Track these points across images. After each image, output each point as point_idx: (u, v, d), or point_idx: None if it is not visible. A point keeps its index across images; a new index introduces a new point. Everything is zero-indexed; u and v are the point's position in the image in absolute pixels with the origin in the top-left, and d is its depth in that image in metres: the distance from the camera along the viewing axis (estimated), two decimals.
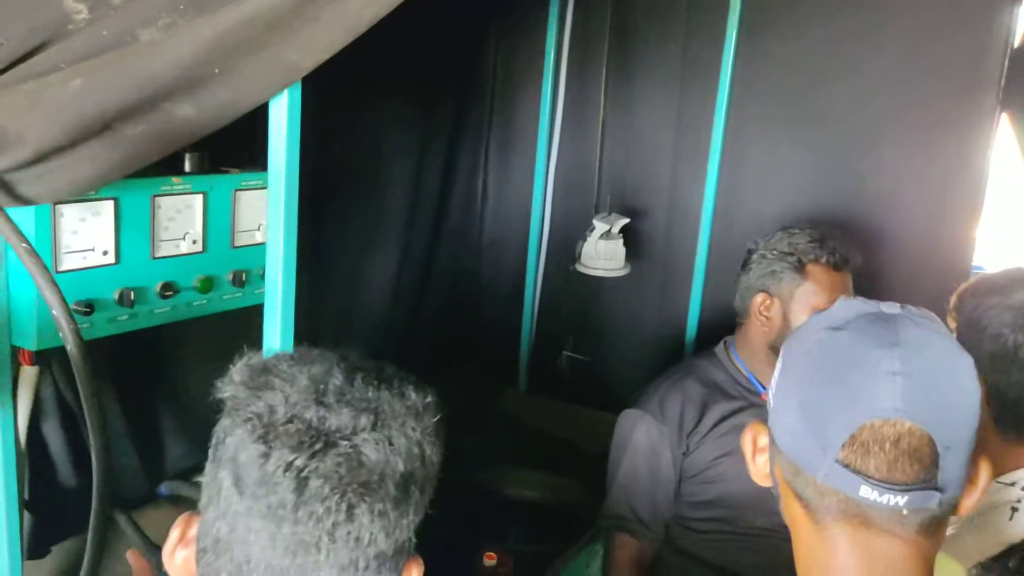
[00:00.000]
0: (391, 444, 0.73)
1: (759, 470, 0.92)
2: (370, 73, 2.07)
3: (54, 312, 1.09)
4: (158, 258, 1.48)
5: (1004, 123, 2.12)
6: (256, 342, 2.00)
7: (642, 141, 2.57)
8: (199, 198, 1.54)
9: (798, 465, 0.80)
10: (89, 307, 1.36)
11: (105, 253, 1.39)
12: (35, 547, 1.59)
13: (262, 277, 1.67)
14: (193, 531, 0.81)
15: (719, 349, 2.03)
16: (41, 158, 1.08)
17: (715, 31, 2.36)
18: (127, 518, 1.71)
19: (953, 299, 1.33)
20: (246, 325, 1.84)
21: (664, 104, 2.52)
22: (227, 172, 1.60)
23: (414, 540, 0.79)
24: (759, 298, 1.92)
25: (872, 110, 2.26)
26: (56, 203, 1.29)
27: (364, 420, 0.73)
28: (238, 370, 0.78)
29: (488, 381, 2.82)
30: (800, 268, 1.86)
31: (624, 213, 2.37)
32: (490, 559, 1.65)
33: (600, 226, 2.25)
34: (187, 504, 1.87)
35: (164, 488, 1.86)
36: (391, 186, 2.47)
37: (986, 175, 2.16)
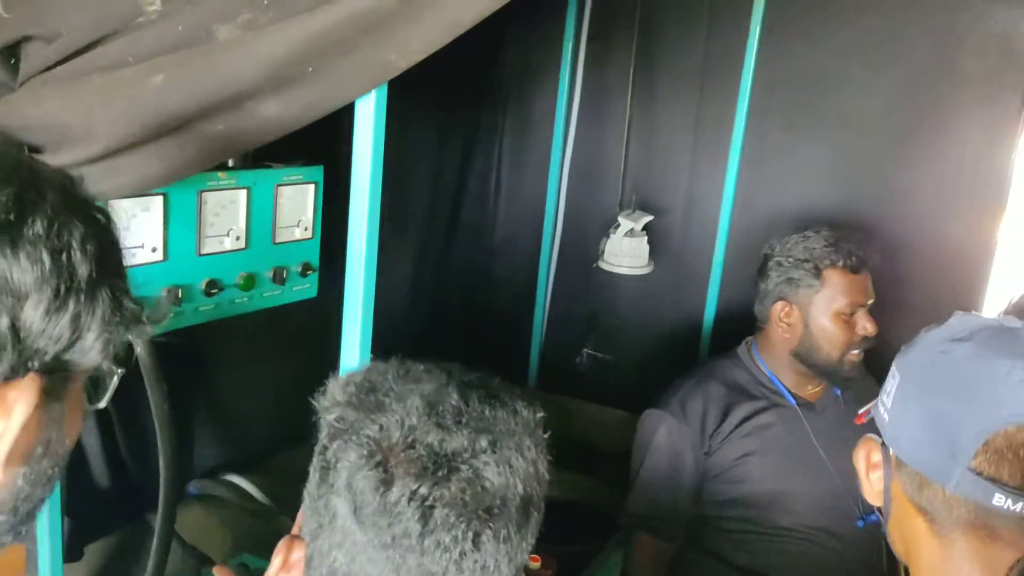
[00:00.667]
0: (510, 466, 0.71)
1: (873, 487, 0.92)
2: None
3: None
4: (204, 255, 1.45)
5: None
6: (288, 341, 1.99)
7: (662, 140, 2.56)
8: (243, 193, 1.51)
9: (926, 476, 0.81)
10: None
11: (154, 250, 1.36)
12: (70, 549, 1.56)
13: (301, 274, 1.67)
14: (296, 555, 0.79)
15: (741, 350, 2.04)
16: (110, 154, 1.05)
17: (738, 31, 2.35)
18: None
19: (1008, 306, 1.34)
20: (275, 324, 1.83)
21: (685, 103, 2.52)
22: (269, 167, 1.58)
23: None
24: (779, 306, 1.93)
25: (894, 112, 2.27)
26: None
27: (483, 441, 0.71)
28: (341, 389, 0.76)
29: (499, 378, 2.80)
30: (817, 274, 1.88)
31: (643, 211, 2.36)
32: (534, 562, 1.64)
33: (626, 223, 2.24)
34: (216, 503, 1.85)
35: (193, 487, 1.83)
36: (411, 185, 2.45)
37: (1010, 177, 2.17)
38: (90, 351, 0.60)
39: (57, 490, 1.39)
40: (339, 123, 1.66)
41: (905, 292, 2.21)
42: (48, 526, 1.41)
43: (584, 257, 2.61)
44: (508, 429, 0.73)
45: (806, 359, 1.90)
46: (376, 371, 0.76)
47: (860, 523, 1.84)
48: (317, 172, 1.66)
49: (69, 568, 1.53)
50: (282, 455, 2.08)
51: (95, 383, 0.70)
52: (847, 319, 1.86)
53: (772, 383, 1.97)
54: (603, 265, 2.33)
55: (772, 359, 1.98)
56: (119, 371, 0.73)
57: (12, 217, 0.55)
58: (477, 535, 0.69)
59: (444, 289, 2.65)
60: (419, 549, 0.69)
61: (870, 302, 1.87)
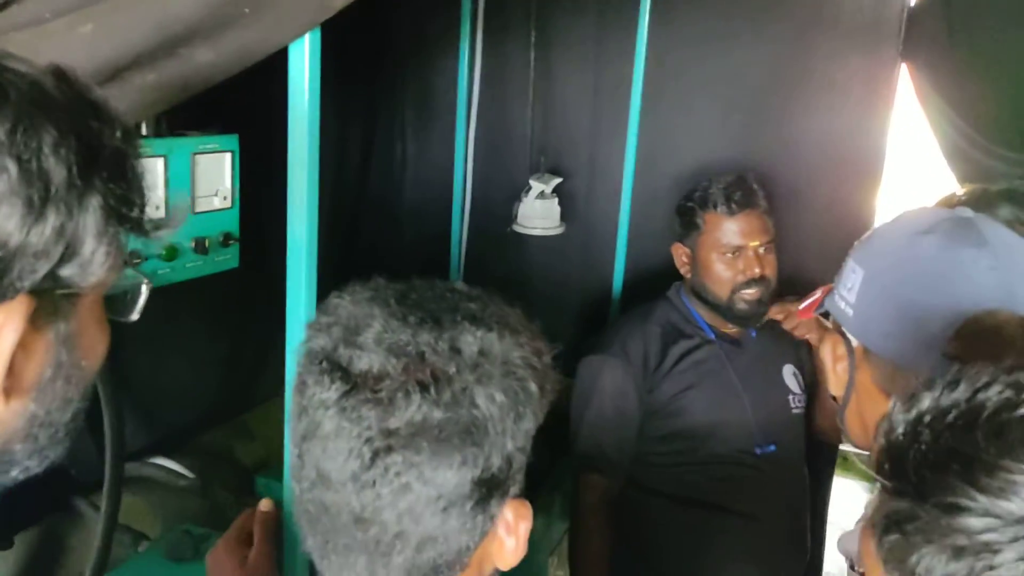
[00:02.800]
0: (426, 390, 0.68)
1: (839, 378, 0.98)
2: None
3: None
4: None
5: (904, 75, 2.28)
6: (208, 315, 1.96)
7: (565, 105, 2.62)
8: (160, 162, 1.49)
9: (898, 364, 0.86)
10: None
11: None
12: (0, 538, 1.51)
13: (222, 244, 1.65)
14: None
15: (671, 293, 2.15)
16: None
17: None
18: (88, 502, 1.65)
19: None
20: (193, 299, 1.80)
21: (582, 67, 2.58)
22: (184, 135, 1.55)
23: (512, 484, 0.74)
24: (674, 248, 2.10)
25: (780, 65, 2.38)
26: None
27: (395, 363, 0.68)
28: (322, 304, 0.78)
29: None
30: (696, 217, 2.03)
31: (553, 174, 2.42)
32: None
33: (537, 186, 2.29)
34: (143, 483, 1.81)
35: None
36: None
37: (888, 125, 2.32)
38: (90, 264, 0.57)
39: None
40: (254, 89, 1.66)
41: (802, 236, 2.34)
42: None
43: (495, 224, 2.64)
44: (434, 354, 0.70)
45: (701, 297, 2.05)
46: (349, 291, 0.77)
47: (758, 450, 1.97)
48: (232, 140, 1.65)
49: (1, 557, 1.48)
50: (205, 435, 2.06)
51: (123, 296, 0.67)
52: (730, 259, 1.98)
53: (696, 321, 2.08)
54: (517, 228, 2.37)
55: (691, 299, 2.10)
56: (146, 281, 0.72)
57: None
58: (376, 455, 0.68)
59: (355, 264, 2.65)
60: (323, 459, 0.70)
61: (755, 243, 1.98)
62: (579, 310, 2.71)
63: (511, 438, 0.72)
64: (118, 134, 0.61)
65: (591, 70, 2.57)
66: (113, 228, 0.58)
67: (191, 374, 1.96)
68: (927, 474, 0.55)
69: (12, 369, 0.57)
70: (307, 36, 0.99)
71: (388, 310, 0.72)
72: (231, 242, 1.66)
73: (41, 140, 0.54)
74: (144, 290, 0.70)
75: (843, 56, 2.33)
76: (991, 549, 0.52)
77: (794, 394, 2.06)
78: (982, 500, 0.52)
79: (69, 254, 0.56)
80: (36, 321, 0.57)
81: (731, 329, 2.08)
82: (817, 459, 2.21)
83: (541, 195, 2.30)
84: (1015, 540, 0.52)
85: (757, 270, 1.97)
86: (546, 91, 2.60)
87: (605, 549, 1.96)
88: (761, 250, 1.99)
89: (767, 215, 2.03)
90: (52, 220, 0.54)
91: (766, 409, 2.00)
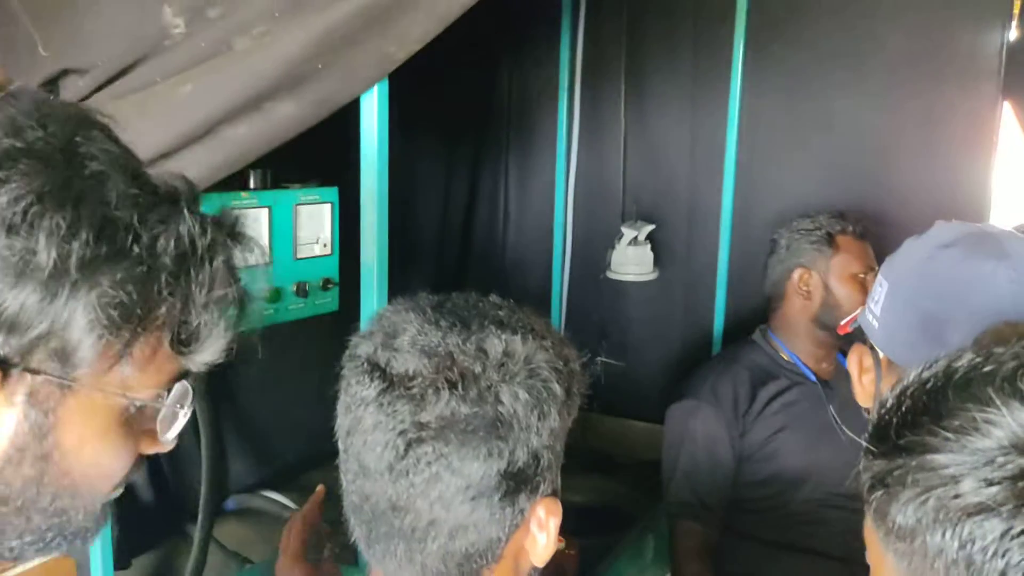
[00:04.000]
0: (455, 388, 0.74)
1: (865, 390, 0.99)
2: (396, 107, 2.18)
3: None
4: None
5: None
6: (313, 357, 2.08)
7: (658, 152, 2.67)
8: (265, 212, 1.62)
9: None
10: None
11: None
12: (118, 559, 1.64)
13: (322, 288, 1.77)
14: None
15: (756, 336, 2.13)
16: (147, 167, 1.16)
17: (723, 41, 2.46)
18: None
19: None
20: (299, 342, 1.92)
21: (677, 115, 2.63)
22: (288, 187, 1.69)
23: (542, 482, 0.79)
24: (796, 273, 2.04)
25: (878, 109, 2.36)
26: None
27: (427, 364, 0.75)
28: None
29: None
30: (830, 241, 2.01)
31: (645, 221, 2.46)
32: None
33: (629, 232, 2.34)
34: (253, 515, 1.93)
35: (231, 502, 1.91)
36: (420, 216, 2.56)
37: (992, 162, 2.26)
38: (80, 355, 0.56)
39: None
40: (352, 147, 1.79)
41: None
42: (99, 536, 1.49)
43: (592, 270, 2.70)
44: (462, 355, 0.76)
45: (828, 323, 1.97)
46: (393, 304, 0.85)
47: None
48: (332, 192, 1.77)
49: None
50: (311, 473, 2.16)
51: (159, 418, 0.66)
52: (861, 281, 1.97)
53: (792, 362, 2.06)
54: (611, 275, 2.42)
55: (790, 336, 2.06)
56: (182, 408, 0.68)
57: None
58: (408, 446, 0.74)
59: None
60: (363, 451, 0.77)
61: (874, 266, 1.97)
62: (678, 356, 2.72)
63: (536, 434, 0.77)
64: (156, 215, 0.60)
65: (686, 118, 2.62)
66: (110, 320, 0.56)
67: (295, 413, 2.07)
68: (905, 432, 0.59)
69: None
70: (376, 87, 1.09)
71: (423, 317, 0.79)
72: (331, 286, 1.78)
73: (43, 219, 0.54)
74: (180, 415, 0.67)
75: (941, 95, 2.29)
76: (955, 479, 0.54)
77: None
78: (948, 437, 0.56)
79: (55, 336, 0.55)
80: (8, 394, 0.56)
81: (826, 368, 2.05)
82: None
83: (633, 242, 2.35)
84: (975, 468, 0.54)
85: None
86: (640, 140, 2.65)
87: None
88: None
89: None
90: (30, 291, 0.54)
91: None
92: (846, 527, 1.88)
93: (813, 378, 2.03)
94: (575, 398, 0.82)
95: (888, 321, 0.92)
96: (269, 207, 1.63)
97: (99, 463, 0.63)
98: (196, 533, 1.48)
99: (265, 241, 1.62)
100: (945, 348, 0.84)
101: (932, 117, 2.32)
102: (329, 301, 1.79)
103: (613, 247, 2.41)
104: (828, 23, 2.38)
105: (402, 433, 0.75)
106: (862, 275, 1.97)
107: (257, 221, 1.61)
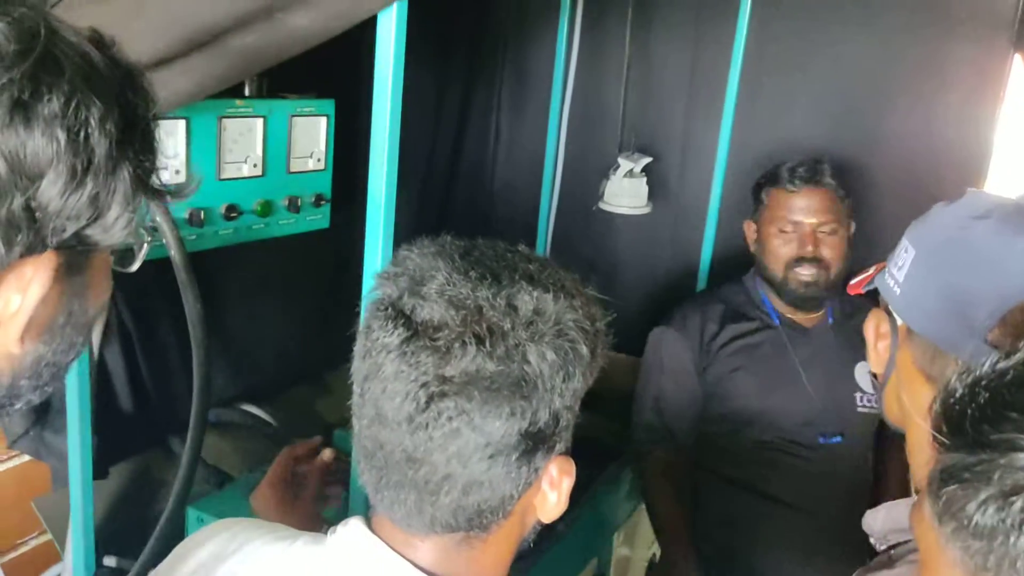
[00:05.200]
0: (482, 343, 0.71)
1: (880, 356, 0.97)
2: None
3: (158, 219, 1.12)
4: (223, 179, 1.50)
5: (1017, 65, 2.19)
6: (295, 275, 2.04)
7: (659, 85, 2.60)
8: (260, 122, 1.56)
9: (940, 347, 0.86)
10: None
11: (177, 172, 1.41)
12: (96, 467, 1.62)
13: (314, 205, 1.72)
14: None
15: (747, 276, 2.17)
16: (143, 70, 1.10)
17: None
18: (180, 440, 1.75)
19: None
20: (281, 258, 1.87)
21: (681, 47, 2.55)
22: (284, 97, 1.62)
23: (558, 441, 0.78)
24: (745, 225, 2.14)
25: (885, 54, 2.31)
26: None
27: (455, 315, 0.72)
28: (393, 256, 0.82)
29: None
30: (761, 193, 2.08)
31: (642, 154, 2.42)
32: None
33: (625, 164, 2.29)
34: (232, 428, 1.91)
35: (211, 415, 1.89)
36: (409, 135, 2.48)
37: (996, 117, 2.23)
38: (112, 227, 0.61)
39: (87, 409, 1.45)
40: (353, 58, 1.71)
41: (899, 231, 2.27)
42: (79, 443, 1.46)
43: (583, 202, 2.66)
44: (492, 309, 0.73)
45: (762, 275, 2.07)
46: (418, 245, 0.81)
47: (822, 439, 1.97)
48: (329, 105, 1.71)
49: (96, 486, 1.59)
50: (293, 389, 2.15)
51: (125, 251, 0.71)
52: (787, 236, 1.99)
53: (763, 305, 2.09)
54: (603, 206, 2.38)
55: (763, 282, 2.10)
56: (148, 239, 0.76)
57: (27, 96, 0.54)
58: (429, 400, 0.72)
59: (448, 233, 2.70)
60: (382, 399, 0.74)
61: (813, 220, 1.97)
62: (664, 291, 2.70)
63: (559, 396, 0.75)
64: (149, 106, 0.65)
65: (689, 51, 2.55)
66: (139, 196, 0.63)
67: (280, 329, 2.04)
68: (985, 427, 0.56)
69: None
70: (395, 4, 1.03)
71: (452, 264, 0.76)
72: (323, 203, 1.73)
73: (89, 113, 0.57)
74: (145, 247, 0.74)
75: (952, 45, 2.25)
76: None
77: (863, 392, 2.01)
78: None
79: (96, 217, 0.60)
80: (56, 274, 0.61)
81: (801, 316, 2.06)
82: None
83: (629, 174, 2.31)
84: None
85: (810, 248, 1.95)
86: (641, 71, 2.58)
87: (680, 508, 1.99)
88: (823, 230, 1.97)
89: (837, 198, 2.01)
90: (90, 188, 0.58)
91: (833, 400, 1.98)
92: (795, 473, 1.96)
93: (777, 322, 2.06)
94: (598, 359, 0.80)
95: (911, 289, 0.90)
96: (264, 117, 1.57)
97: (103, 297, 0.69)
98: (186, 446, 1.46)
99: (259, 152, 1.56)
100: (968, 322, 0.83)
101: (940, 66, 2.27)
102: (320, 218, 1.75)
103: (608, 178, 2.36)
104: None
105: (424, 385, 0.72)
106: (785, 230, 1.99)
107: (251, 131, 1.55)
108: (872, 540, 0.98)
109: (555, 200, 2.83)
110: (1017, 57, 2.18)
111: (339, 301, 2.24)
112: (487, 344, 0.71)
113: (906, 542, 0.90)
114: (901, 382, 0.94)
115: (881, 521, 0.96)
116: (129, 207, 0.62)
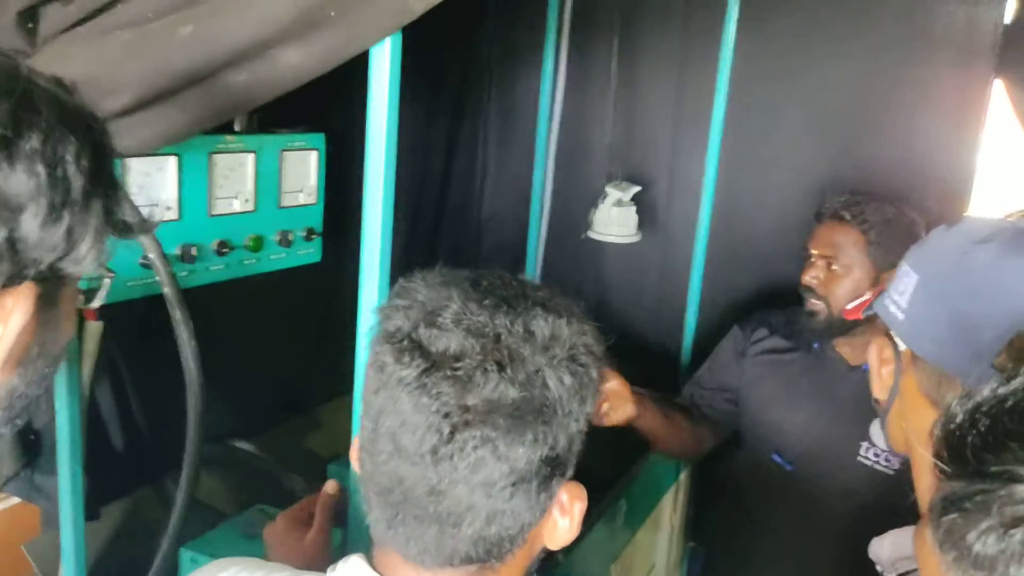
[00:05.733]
0: (503, 371, 0.71)
1: (883, 382, 0.97)
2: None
3: (151, 256, 1.11)
4: (215, 215, 1.50)
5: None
6: (286, 309, 2.03)
7: (645, 115, 2.62)
8: (251, 157, 1.56)
9: (946, 372, 0.86)
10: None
11: (168, 208, 1.41)
12: (87, 509, 1.60)
13: (306, 239, 1.72)
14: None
15: None
16: (136, 108, 1.10)
17: (716, 5, 2.41)
18: (172, 479, 1.73)
19: None
20: (272, 291, 1.87)
21: (666, 77, 2.58)
22: (275, 132, 1.63)
23: (570, 467, 0.78)
24: None
25: (869, 81, 2.34)
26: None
27: (474, 344, 0.72)
28: (394, 288, 0.81)
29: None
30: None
31: (631, 183, 2.43)
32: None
33: (614, 193, 2.31)
34: (223, 465, 1.89)
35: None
36: (399, 163, 2.48)
37: (978, 142, 2.26)
38: (84, 260, 0.63)
39: (78, 450, 1.44)
40: (342, 92, 1.72)
41: None
42: (70, 484, 1.44)
43: (572, 232, 2.67)
44: (509, 336, 0.73)
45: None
46: (423, 276, 0.81)
47: (776, 458, 2.00)
48: (319, 139, 1.72)
49: (87, 528, 1.57)
50: (283, 424, 2.13)
51: (89, 289, 0.73)
52: (806, 264, 1.97)
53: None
54: (592, 235, 2.39)
55: None
56: (111, 274, 0.79)
57: (9, 133, 0.57)
58: (453, 431, 0.71)
59: (441, 267, 2.70)
60: (400, 433, 0.73)
61: (816, 251, 1.95)
62: (654, 320, 2.71)
63: (575, 420, 0.76)
64: (112, 144, 0.68)
65: (674, 81, 2.57)
66: (107, 230, 0.65)
67: (270, 364, 2.03)
68: (986, 456, 0.56)
69: None
70: (388, 40, 1.03)
71: (465, 293, 0.76)
72: (314, 236, 1.73)
73: (66, 151, 0.60)
74: (107, 283, 0.77)
75: (934, 71, 2.28)
76: None
77: (874, 447, 1.91)
78: None
79: (70, 249, 0.62)
80: (34, 305, 0.63)
81: (847, 351, 1.99)
82: None
83: (618, 203, 2.32)
84: None
85: (808, 277, 1.94)
86: (628, 100, 2.60)
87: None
88: (830, 266, 1.92)
89: (860, 238, 1.92)
90: (66, 221, 0.61)
91: (826, 436, 1.94)
92: (770, 494, 1.97)
93: (816, 346, 2.03)
94: (601, 384, 0.81)
95: (916, 315, 0.90)
96: (255, 152, 1.57)
97: (69, 331, 0.71)
98: (180, 486, 1.44)
99: (250, 187, 1.56)
100: (974, 347, 0.83)
101: (923, 90, 2.30)
102: (311, 252, 1.75)
103: (596, 207, 2.37)
104: None
105: (447, 416, 0.71)
106: (808, 257, 1.98)
107: (242, 166, 1.55)
108: (879, 568, 0.98)
109: (543, 231, 2.84)
110: (998, 82, 2.21)
111: (330, 335, 2.24)
112: (508, 371, 0.72)
113: (915, 570, 0.89)
114: (905, 408, 0.94)
115: (888, 549, 0.95)
116: (99, 240, 0.64)
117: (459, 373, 0.71)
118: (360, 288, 1.13)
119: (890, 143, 2.36)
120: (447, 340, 0.72)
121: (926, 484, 0.83)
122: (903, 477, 1.80)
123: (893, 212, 1.94)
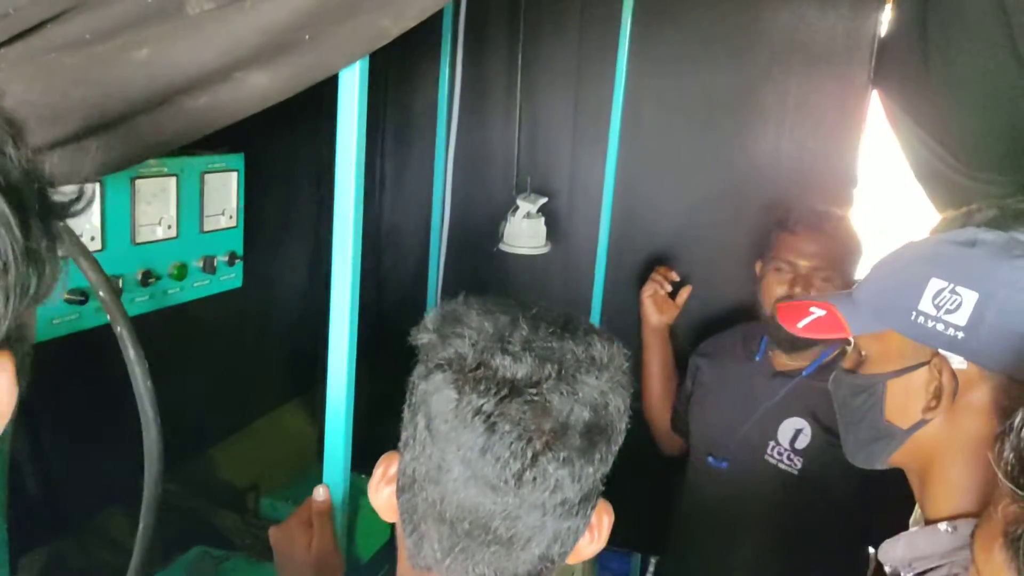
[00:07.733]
0: (575, 393, 0.74)
1: (908, 408, 1.02)
2: None
3: (100, 294, 1.04)
4: (138, 244, 1.42)
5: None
6: (211, 337, 1.94)
7: (544, 125, 2.65)
8: (172, 181, 1.49)
9: (1015, 377, 0.92)
10: (83, 296, 1.29)
11: (92, 239, 1.33)
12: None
13: (228, 264, 1.65)
14: (394, 469, 0.84)
15: None
16: (80, 137, 1.02)
17: (611, 17, 2.47)
18: (93, 527, 1.63)
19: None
20: (194, 320, 1.78)
21: (563, 89, 2.61)
22: (195, 154, 1.55)
23: (601, 488, 0.81)
24: (756, 265, 2.15)
25: (756, 91, 2.46)
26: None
27: (548, 369, 0.74)
28: (431, 318, 0.80)
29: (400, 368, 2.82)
30: (772, 237, 2.08)
31: (538, 194, 2.45)
32: None
33: (524, 205, 2.32)
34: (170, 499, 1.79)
35: (120, 496, 1.76)
36: (299, 180, 2.42)
37: (859, 150, 2.42)
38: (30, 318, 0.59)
39: (2, 492, 1.33)
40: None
41: None
42: None
43: (477, 245, 2.67)
44: (576, 361, 0.76)
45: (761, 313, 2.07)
46: (460, 304, 0.80)
47: (711, 460, 2.08)
48: (238, 160, 1.65)
49: None
50: (208, 453, 2.04)
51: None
52: (780, 275, 1.98)
53: (760, 340, 2.11)
54: (503, 247, 2.40)
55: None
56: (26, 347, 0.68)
57: None
58: (536, 454, 0.73)
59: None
60: (481, 462, 0.74)
61: (805, 262, 1.96)
62: None
63: (621, 439, 0.80)
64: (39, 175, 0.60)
65: (572, 91, 2.61)
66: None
67: (192, 394, 1.94)
68: None
69: None
70: (358, 63, 1.01)
71: (526, 320, 0.77)
72: (236, 261, 1.66)
73: None
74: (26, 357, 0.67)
75: (816, 82, 2.42)
76: None
77: (779, 445, 1.97)
78: None
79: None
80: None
81: (783, 360, 2.04)
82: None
83: (528, 215, 2.33)
84: None
85: (798, 290, 1.92)
86: (530, 114, 2.63)
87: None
88: (819, 276, 1.94)
89: (842, 248, 1.99)
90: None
91: (746, 436, 2.02)
92: (705, 497, 2.06)
93: (758, 358, 2.09)
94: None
95: (984, 332, 0.92)
96: (176, 175, 1.49)
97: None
98: (138, 536, 1.35)
99: (173, 212, 1.49)
100: None
101: (804, 100, 2.44)
102: (233, 277, 1.68)
103: (507, 220, 2.38)
104: (711, 5, 2.44)
105: (529, 442, 0.73)
106: (773, 268, 2.00)
107: (165, 191, 1.47)
108: (887, 569, 1.01)
109: (444, 244, 2.82)
110: (874, 93, 2.36)
111: (253, 362, 2.15)
112: (580, 394, 0.74)
113: (935, 568, 0.94)
114: (964, 426, 0.96)
115: (902, 549, 0.99)
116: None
117: (536, 398, 0.73)
118: (331, 316, 1.10)
119: (777, 151, 2.48)
120: (520, 366, 0.73)
121: (943, 491, 0.89)
122: (806, 476, 1.93)
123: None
